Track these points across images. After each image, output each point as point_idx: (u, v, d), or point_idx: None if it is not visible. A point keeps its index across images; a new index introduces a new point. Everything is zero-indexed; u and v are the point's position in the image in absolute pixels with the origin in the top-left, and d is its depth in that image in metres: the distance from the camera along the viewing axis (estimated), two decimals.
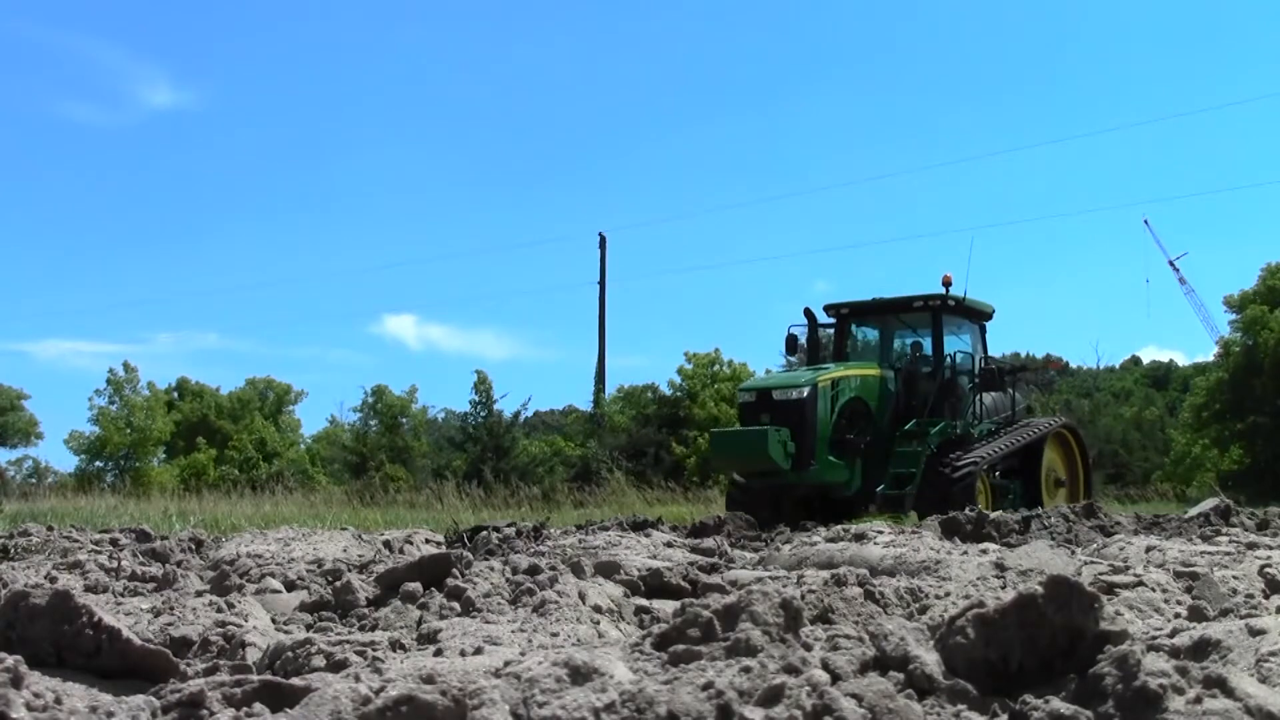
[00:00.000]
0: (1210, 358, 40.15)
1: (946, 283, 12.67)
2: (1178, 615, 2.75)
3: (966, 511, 6.66)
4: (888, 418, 12.30)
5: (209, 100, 78.76)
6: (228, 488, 23.82)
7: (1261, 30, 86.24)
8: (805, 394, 11.33)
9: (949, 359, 12.73)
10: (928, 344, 13.07)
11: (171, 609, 2.80)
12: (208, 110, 77.53)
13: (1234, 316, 35.50)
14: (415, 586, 2.99)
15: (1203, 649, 1.94)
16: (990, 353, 13.77)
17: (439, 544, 6.32)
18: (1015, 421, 13.40)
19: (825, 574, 3.11)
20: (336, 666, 2.06)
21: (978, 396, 12.99)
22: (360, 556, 4.95)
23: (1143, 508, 18.83)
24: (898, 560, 4.04)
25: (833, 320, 13.40)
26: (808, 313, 12.87)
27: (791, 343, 13.04)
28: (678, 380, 33.58)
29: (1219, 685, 1.40)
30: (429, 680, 1.55)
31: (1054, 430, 13.35)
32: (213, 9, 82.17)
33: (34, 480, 35.06)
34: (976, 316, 13.41)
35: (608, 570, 3.69)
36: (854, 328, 13.61)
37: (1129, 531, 6.17)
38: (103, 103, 75.51)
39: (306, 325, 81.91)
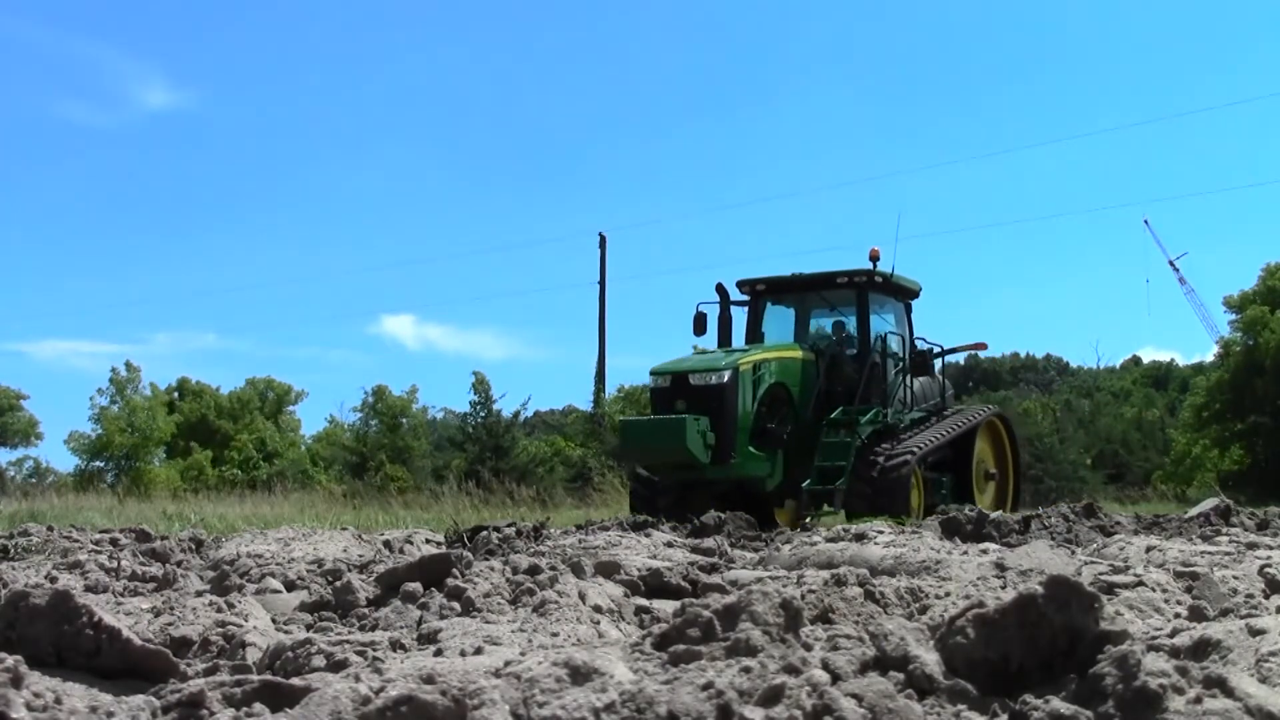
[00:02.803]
0: (1210, 358, 40.21)
1: (874, 257, 11.57)
2: (1178, 615, 2.75)
3: (963, 512, 6.65)
4: (810, 405, 11.20)
5: (206, 100, 78.86)
6: (228, 488, 23.82)
7: (1261, 30, 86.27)
8: (726, 379, 10.22)
9: (877, 341, 11.68)
10: (850, 324, 11.93)
11: (171, 609, 2.79)
12: (205, 110, 77.64)
13: (1234, 316, 35.47)
14: (415, 586, 2.99)
15: (1203, 649, 1.94)
16: (918, 334, 12.55)
17: (439, 544, 6.31)
18: (945, 409, 12.48)
19: (825, 574, 3.11)
20: (336, 666, 2.06)
21: (905, 381, 11.95)
22: (360, 556, 4.95)
23: (1143, 508, 18.87)
24: (898, 560, 4.05)
25: (746, 297, 12.20)
26: (720, 289, 11.69)
27: (700, 321, 11.70)
28: None
29: (1219, 685, 1.40)
30: (429, 680, 1.55)
31: (986, 419, 12.45)
32: (210, 9, 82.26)
33: (34, 480, 35.10)
34: (903, 295, 12.29)
35: (608, 570, 3.69)
36: (770, 305, 12.35)
37: (1129, 531, 6.18)
38: (100, 103, 75.60)
39: (306, 325, 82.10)
